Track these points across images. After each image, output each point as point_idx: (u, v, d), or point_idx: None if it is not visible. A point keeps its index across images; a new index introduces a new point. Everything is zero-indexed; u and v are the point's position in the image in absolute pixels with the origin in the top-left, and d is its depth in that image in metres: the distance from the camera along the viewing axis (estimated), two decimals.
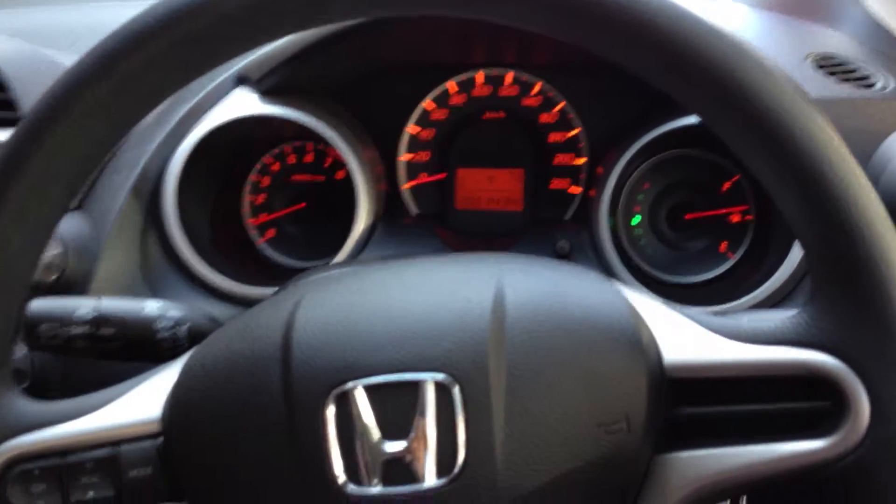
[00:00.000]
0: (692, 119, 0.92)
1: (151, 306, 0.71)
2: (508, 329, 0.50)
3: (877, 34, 1.20)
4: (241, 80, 1.00)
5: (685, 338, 0.53)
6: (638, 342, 0.52)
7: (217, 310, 0.92)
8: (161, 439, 0.51)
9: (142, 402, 0.52)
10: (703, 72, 0.47)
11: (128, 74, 0.48)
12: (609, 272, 0.96)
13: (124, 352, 0.70)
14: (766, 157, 0.48)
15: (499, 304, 0.51)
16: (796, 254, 0.89)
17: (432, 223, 1.09)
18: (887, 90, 0.94)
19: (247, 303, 0.93)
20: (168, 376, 0.53)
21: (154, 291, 0.93)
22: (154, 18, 0.48)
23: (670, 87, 0.49)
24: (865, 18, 1.23)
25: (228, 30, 0.48)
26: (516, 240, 1.06)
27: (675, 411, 0.53)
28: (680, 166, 1.06)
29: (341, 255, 0.98)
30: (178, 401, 0.52)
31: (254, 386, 0.49)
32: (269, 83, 0.98)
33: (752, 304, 0.90)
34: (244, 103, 0.98)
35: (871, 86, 0.96)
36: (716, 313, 0.66)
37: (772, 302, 0.90)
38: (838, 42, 1.09)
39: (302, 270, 1.08)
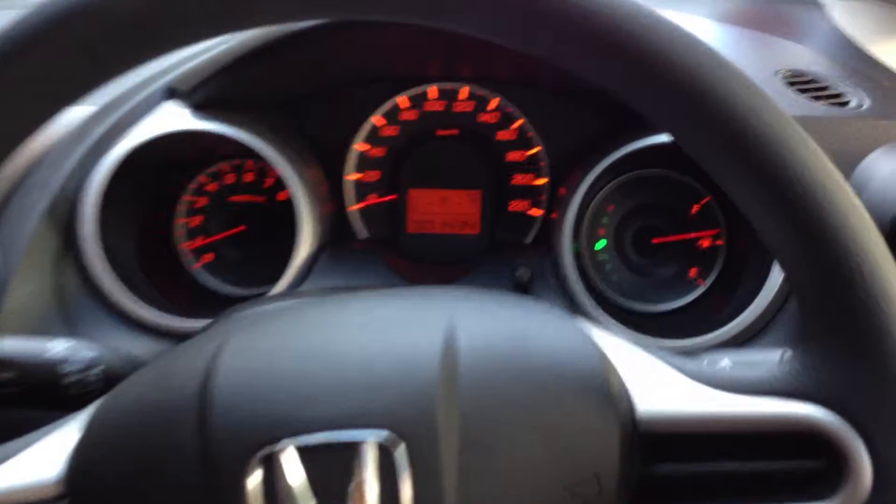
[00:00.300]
0: (660, 137, 0.89)
1: (58, 346, 0.66)
2: (461, 378, 0.45)
3: (846, 49, 1.20)
4: (171, 92, 0.94)
5: (661, 386, 0.48)
6: (608, 391, 0.47)
7: (143, 346, 0.87)
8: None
9: (41, 460, 0.46)
10: (677, 84, 0.42)
11: (6, 83, 0.41)
12: (572, 300, 0.93)
13: (25, 399, 0.63)
14: (751, 184, 0.43)
15: (450, 349, 0.46)
16: (773, 282, 0.86)
17: (382, 248, 1.05)
18: (862, 109, 0.92)
19: (176, 337, 0.88)
20: (72, 430, 0.47)
21: (71, 326, 0.86)
22: (40, 20, 0.40)
23: (638, 100, 0.44)
24: (834, 33, 1.24)
25: (121, 35, 0.41)
26: (472, 266, 1.02)
27: (651, 469, 0.48)
28: (647, 187, 1.03)
29: (281, 285, 0.93)
30: (82, 459, 0.46)
31: (166, 445, 0.44)
32: (200, 96, 0.92)
33: (726, 339, 0.87)
34: (173, 118, 0.92)
35: (844, 104, 0.94)
36: (692, 354, 0.60)
37: (748, 335, 0.87)
38: (808, 58, 1.07)
39: (242, 299, 1.00)
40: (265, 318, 0.52)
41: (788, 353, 0.49)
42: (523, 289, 0.95)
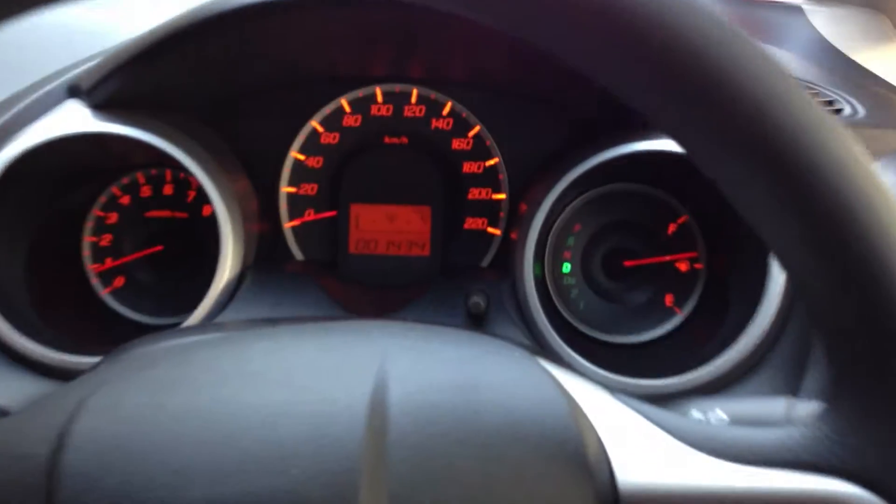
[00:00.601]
0: (633, 147, 0.83)
1: None
2: (391, 447, 0.38)
3: (831, 56, 1.16)
4: (71, 90, 0.86)
5: (649, 451, 0.41)
6: (583, 458, 0.40)
7: (31, 388, 0.79)
8: None
9: None
10: (690, 72, 0.34)
11: None
12: (533, 332, 0.86)
13: None
14: (779, 204, 0.36)
15: (378, 408, 0.39)
16: (766, 312, 0.79)
17: (319, 271, 0.98)
18: (857, 117, 0.89)
19: (69, 377, 0.77)
20: None
21: None
22: None
23: (639, 92, 0.37)
24: (817, 40, 1.20)
25: None
26: (421, 292, 0.94)
27: None
28: (617, 204, 0.98)
29: (197, 315, 0.85)
30: None
31: None
32: (103, 94, 0.83)
33: (712, 378, 0.78)
34: (72, 118, 0.83)
35: (837, 111, 0.91)
36: (678, 401, 0.56)
37: (737, 374, 0.79)
38: (795, 64, 1.05)
39: (157, 328, 0.93)
40: (150, 361, 0.45)
41: (805, 409, 0.45)
42: (478, 319, 0.88)
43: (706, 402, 0.56)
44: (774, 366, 0.79)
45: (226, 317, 0.86)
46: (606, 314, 0.99)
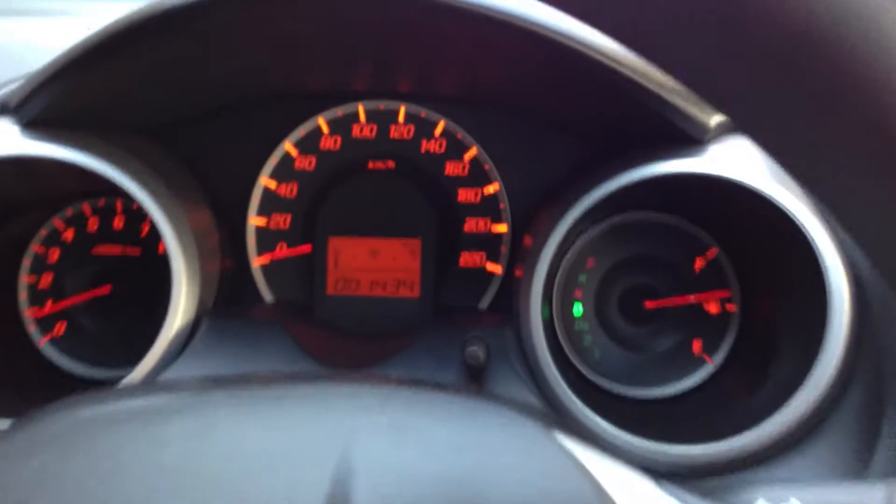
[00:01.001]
0: (656, 169, 0.76)
1: None
2: None
3: None
4: (2, 108, 0.80)
5: None
6: None
7: None
8: None
9: None
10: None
11: None
12: (543, 387, 0.79)
13: None
14: None
15: None
16: (826, 363, 0.69)
17: (290, 316, 0.93)
18: None
19: None
20: None
21: None
22: None
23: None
24: None
25: None
26: (409, 340, 0.87)
27: None
28: (636, 236, 0.93)
29: (141, 369, 0.79)
30: None
31: None
32: (33, 110, 0.77)
33: (760, 446, 0.70)
34: None
35: None
36: (738, 492, 0.45)
37: (791, 440, 0.70)
38: None
39: (98, 383, 0.92)
40: (42, 440, 0.38)
41: None
42: (476, 373, 0.80)
43: (777, 489, 0.45)
44: (838, 430, 0.70)
45: (175, 372, 0.79)
46: (625, 364, 0.93)
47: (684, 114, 0.72)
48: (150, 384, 0.71)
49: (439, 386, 0.44)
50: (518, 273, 0.90)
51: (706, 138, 0.75)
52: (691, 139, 0.76)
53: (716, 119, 0.74)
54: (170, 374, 0.79)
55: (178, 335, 0.81)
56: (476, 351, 0.79)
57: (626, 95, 0.70)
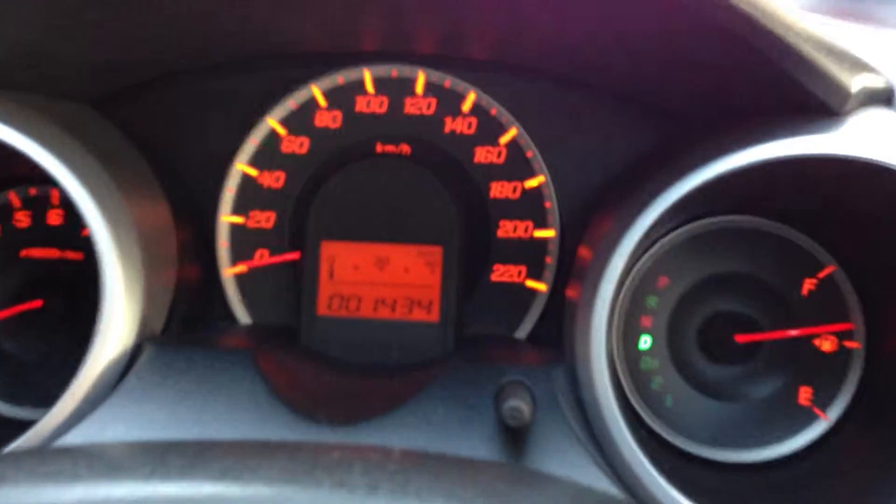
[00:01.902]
0: (784, 148, 0.66)
1: None
2: None
3: None
4: None
5: None
6: None
7: None
8: None
9: None
10: None
11: None
12: (609, 450, 0.70)
13: None
14: None
15: None
16: None
17: (268, 343, 0.85)
18: None
19: None
20: None
21: None
22: None
23: None
24: None
25: None
26: (423, 382, 0.77)
27: None
28: (724, 248, 0.87)
29: (54, 417, 0.70)
30: None
31: None
32: None
33: None
34: None
35: None
36: None
37: None
38: None
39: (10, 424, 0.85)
40: None
41: None
42: (517, 436, 0.70)
43: None
44: None
45: (93, 423, 0.69)
46: (707, 417, 0.86)
47: (828, 77, 0.63)
48: (39, 454, 0.60)
49: (469, 468, 0.41)
50: (571, 294, 0.83)
51: (845, 109, 0.67)
52: (825, 110, 0.67)
53: (861, 83, 0.66)
54: (86, 427, 0.69)
55: (108, 369, 0.72)
56: (518, 407, 0.66)
57: (763, 54, 0.63)
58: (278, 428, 0.63)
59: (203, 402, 0.72)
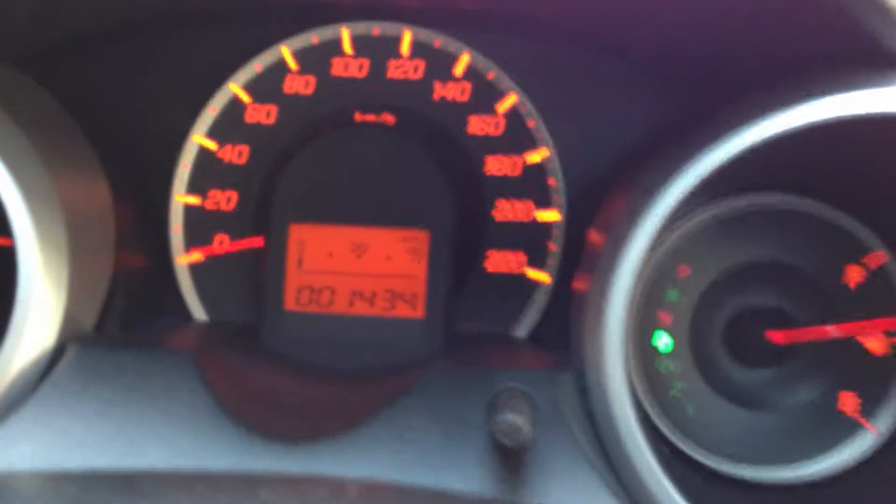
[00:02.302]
0: (803, 114, 0.61)
1: None
2: None
3: None
4: None
5: None
6: None
7: None
8: None
9: None
10: None
11: None
12: (625, 471, 0.64)
13: None
14: None
15: None
16: None
17: (221, 343, 0.81)
18: None
19: None
20: None
21: None
22: None
23: None
24: None
25: None
26: (404, 387, 0.70)
27: None
28: (755, 233, 0.81)
29: None
30: None
31: None
32: None
33: None
34: None
35: None
36: None
37: None
38: None
39: None
40: None
41: None
42: (514, 457, 0.64)
43: None
44: None
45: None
46: (736, 428, 0.80)
47: None
48: None
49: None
50: (579, 285, 0.76)
51: None
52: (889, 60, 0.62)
53: None
54: None
55: (21, 374, 0.65)
56: (514, 423, 0.57)
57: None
58: (220, 451, 0.55)
59: (130, 418, 0.64)
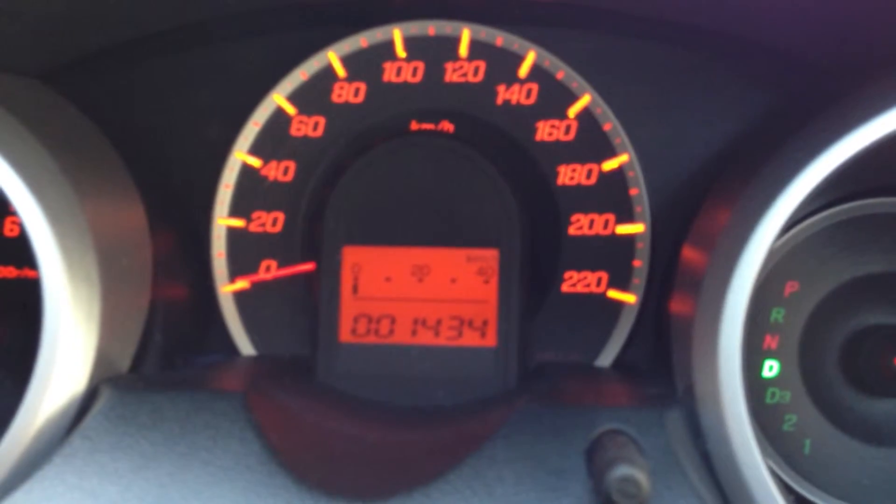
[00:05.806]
0: None
1: None
2: None
3: None
4: None
5: None
6: None
7: None
8: None
9: None
10: None
11: None
12: None
13: None
14: None
15: None
16: None
17: (273, 382, 0.73)
18: None
19: None
20: None
21: None
22: None
23: None
24: None
25: None
26: (481, 432, 0.64)
27: None
28: (874, 241, 0.76)
29: None
30: None
31: None
32: None
33: None
34: None
35: None
36: None
37: None
38: None
39: None
40: None
41: None
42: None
43: None
44: None
45: (21, 499, 0.59)
46: (859, 466, 0.74)
47: None
48: None
49: None
50: (678, 307, 0.70)
51: None
52: None
53: None
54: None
55: (49, 422, 0.60)
56: (632, 475, 0.49)
57: None
58: None
59: (171, 475, 0.59)
